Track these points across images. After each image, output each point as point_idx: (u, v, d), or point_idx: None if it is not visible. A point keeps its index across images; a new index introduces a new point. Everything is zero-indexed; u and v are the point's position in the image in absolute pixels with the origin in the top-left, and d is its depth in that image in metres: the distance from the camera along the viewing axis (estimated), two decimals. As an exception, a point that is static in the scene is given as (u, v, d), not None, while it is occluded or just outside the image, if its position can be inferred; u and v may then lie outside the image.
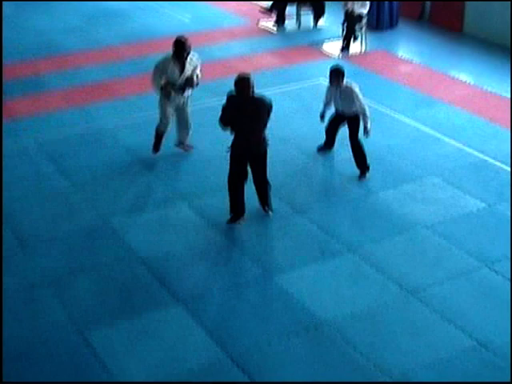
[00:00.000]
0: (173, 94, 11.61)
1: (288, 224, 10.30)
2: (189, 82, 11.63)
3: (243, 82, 9.73)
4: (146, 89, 14.56)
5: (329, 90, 11.57)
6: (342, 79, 11.18)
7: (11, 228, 10.34)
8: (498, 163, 11.72)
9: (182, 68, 11.55)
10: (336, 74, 11.19)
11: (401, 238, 9.90)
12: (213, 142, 12.38)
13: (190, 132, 12.22)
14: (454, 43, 17.23)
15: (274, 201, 10.66)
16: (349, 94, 11.13)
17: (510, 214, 10.35)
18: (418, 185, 11.17)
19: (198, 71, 11.74)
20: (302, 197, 10.93)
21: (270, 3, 18.79)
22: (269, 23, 18.60)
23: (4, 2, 20.72)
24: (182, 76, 11.56)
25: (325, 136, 11.97)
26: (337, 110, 11.54)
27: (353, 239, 9.91)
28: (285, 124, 13.15)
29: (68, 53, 17.05)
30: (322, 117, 11.89)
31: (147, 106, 13.87)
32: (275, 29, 18.38)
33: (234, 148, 10.01)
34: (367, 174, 11.35)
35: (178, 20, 19.17)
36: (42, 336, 8.36)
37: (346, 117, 11.37)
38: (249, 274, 9.30)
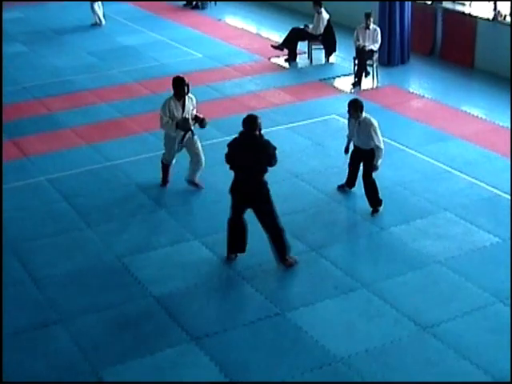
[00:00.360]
0: (181, 127, 11.86)
1: (301, 260, 10.30)
2: (196, 120, 11.95)
3: (249, 121, 9.72)
4: (158, 126, 14.70)
5: (349, 121, 11.56)
6: (361, 111, 11.16)
7: (24, 266, 10.40)
8: (511, 197, 11.71)
9: (183, 106, 11.83)
10: (354, 106, 11.18)
11: (414, 274, 9.89)
12: (224, 178, 12.36)
13: (201, 170, 12.25)
14: (466, 78, 17.31)
15: (288, 237, 10.70)
16: (367, 128, 11.12)
17: (523, 248, 10.35)
18: (431, 220, 11.18)
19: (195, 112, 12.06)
20: (314, 233, 10.95)
21: (282, 39, 18.95)
22: (281, 59, 18.74)
23: (18, 41, 20.99)
24: (185, 114, 11.81)
25: (347, 173, 11.95)
26: (354, 144, 11.56)
27: (366, 275, 9.91)
28: (297, 159, 13.21)
29: (81, 90, 17.21)
30: (346, 150, 11.88)
31: (160, 143, 13.95)
32: (287, 65, 18.52)
33: (233, 188, 10.03)
34: (380, 209, 11.37)
35: (190, 56, 19.33)
36: (54, 374, 8.38)
37: (361, 152, 11.37)
38: (262, 311, 9.30)
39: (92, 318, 9.30)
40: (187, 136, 12.01)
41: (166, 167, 12.48)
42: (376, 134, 11.12)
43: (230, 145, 9.94)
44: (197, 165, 12.20)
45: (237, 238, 10.23)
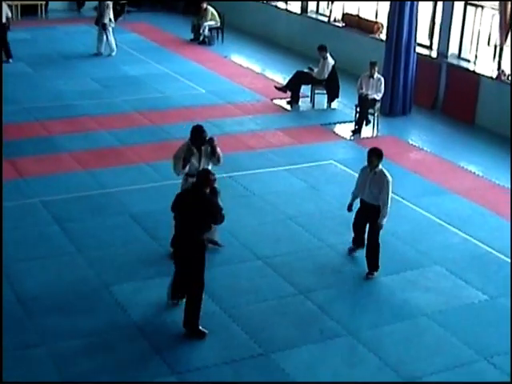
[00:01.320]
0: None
1: (288, 303, 10.34)
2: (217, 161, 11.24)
3: (200, 176, 9.56)
4: (157, 158, 14.83)
5: (362, 173, 11.11)
6: (380, 161, 10.90)
7: (12, 288, 10.39)
8: (503, 256, 11.79)
9: (200, 157, 11.12)
10: (375, 154, 10.89)
11: (401, 325, 9.92)
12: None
13: (216, 230, 11.36)
14: (465, 134, 17.45)
15: (276, 278, 10.78)
16: (381, 179, 10.77)
17: (510, 307, 10.38)
18: (421, 272, 11.23)
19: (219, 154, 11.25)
20: (303, 276, 10.98)
21: (286, 81, 19.12)
22: (283, 101, 18.89)
23: (23, 61, 21.14)
24: (200, 164, 11.07)
25: (353, 233, 11.51)
26: (362, 199, 11.11)
27: (353, 323, 9.94)
28: (291, 202, 13.29)
29: (82, 116, 17.30)
30: (350, 208, 11.36)
31: (157, 174, 14.07)
32: (289, 107, 18.67)
33: (172, 241, 9.81)
34: (375, 275, 11.05)
35: (193, 91, 19.48)
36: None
37: (369, 208, 10.93)
38: (246, 350, 9.31)
39: (75, 343, 9.30)
40: None
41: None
42: (389, 188, 10.75)
43: (177, 195, 9.82)
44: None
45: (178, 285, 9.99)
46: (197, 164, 11.03)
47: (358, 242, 11.51)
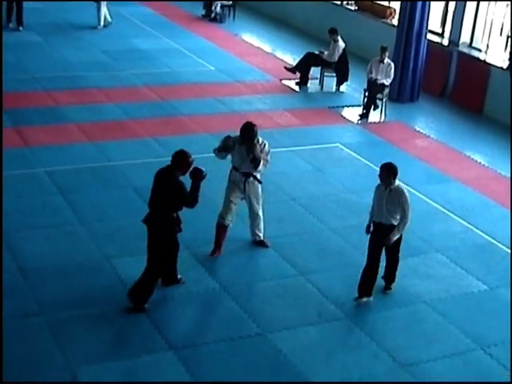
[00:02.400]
0: (237, 177, 10.82)
1: (288, 284, 10.34)
2: (254, 162, 10.58)
3: (174, 157, 9.36)
4: (164, 132, 14.83)
5: (377, 191, 9.96)
6: (394, 178, 9.73)
7: (14, 257, 10.40)
8: (504, 247, 11.76)
9: (248, 153, 10.58)
10: (387, 171, 9.75)
11: (399, 311, 9.92)
12: (223, 192, 12.48)
13: (261, 226, 11.16)
14: (473, 123, 17.40)
15: (278, 258, 10.77)
16: (397, 196, 9.74)
17: (510, 298, 10.37)
18: (422, 260, 11.22)
19: (266, 156, 10.69)
20: (304, 258, 10.97)
21: (296, 62, 19.04)
22: (292, 82, 18.82)
23: (34, 31, 21.08)
24: (247, 160, 10.61)
25: (366, 260, 10.07)
26: (376, 221, 9.93)
27: (351, 306, 9.93)
28: (296, 183, 13.27)
29: (90, 87, 17.27)
30: (368, 230, 10.14)
31: (162, 149, 14.03)
32: (298, 88, 18.60)
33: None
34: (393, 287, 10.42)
35: (203, 68, 19.41)
36: (28, 366, 8.40)
37: (384, 230, 9.84)
38: (244, 329, 9.31)
39: (73, 313, 9.31)
40: (249, 181, 10.84)
41: (219, 227, 10.98)
42: (407, 205, 9.76)
43: (155, 173, 9.69)
44: (255, 220, 11.13)
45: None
46: (239, 161, 10.70)
47: (366, 289, 10.06)
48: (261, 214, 11.08)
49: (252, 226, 11.19)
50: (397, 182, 9.78)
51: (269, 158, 10.70)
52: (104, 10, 22.39)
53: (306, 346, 9.10)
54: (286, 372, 8.64)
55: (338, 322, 9.61)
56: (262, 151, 10.62)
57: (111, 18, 22.66)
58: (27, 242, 10.80)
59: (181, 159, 9.32)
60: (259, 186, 10.90)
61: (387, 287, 10.35)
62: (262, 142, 10.69)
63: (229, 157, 10.82)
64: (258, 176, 10.84)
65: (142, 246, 10.87)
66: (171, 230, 9.54)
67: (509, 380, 8.52)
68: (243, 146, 10.59)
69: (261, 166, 10.58)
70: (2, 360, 8.26)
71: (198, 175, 9.34)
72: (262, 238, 11.22)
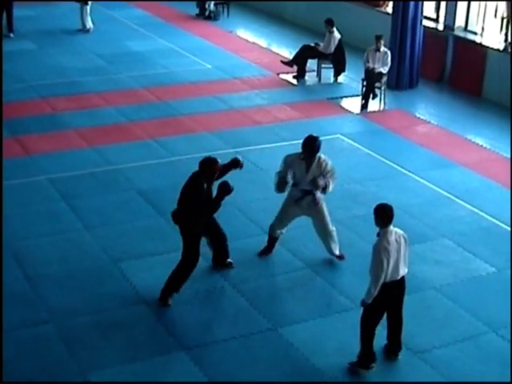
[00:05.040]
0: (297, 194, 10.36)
1: (297, 277, 10.36)
2: (314, 185, 10.15)
3: (202, 164, 9.47)
4: (164, 133, 14.85)
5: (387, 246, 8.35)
6: (384, 222, 8.37)
7: (20, 265, 10.43)
8: (510, 228, 11.76)
9: (308, 169, 10.17)
10: (376, 214, 8.45)
11: (409, 298, 9.83)
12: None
13: (334, 242, 10.64)
14: (473, 107, 17.39)
15: (284, 252, 10.78)
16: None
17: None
18: (429, 245, 11.23)
19: (329, 178, 10.20)
20: (311, 251, 10.97)
21: (292, 56, 19.04)
22: (289, 76, 18.82)
23: (28, 39, 21.09)
24: (306, 177, 10.15)
25: (366, 345, 8.67)
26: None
27: (360, 295, 9.89)
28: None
29: (88, 92, 17.28)
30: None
31: (164, 150, 14.07)
32: (295, 81, 18.60)
33: None
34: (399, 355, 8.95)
35: (199, 66, 19.41)
36: (41, 373, 8.41)
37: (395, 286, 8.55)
38: (255, 325, 9.33)
39: (83, 320, 9.33)
40: (308, 199, 10.36)
41: (270, 237, 10.79)
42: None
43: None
44: (326, 238, 10.59)
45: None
46: (299, 177, 10.18)
47: (372, 355, 8.69)
48: (330, 228, 10.48)
49: (324, 244, 10.61)
50: (390, 228, 8.38)
51: (335, 176, 10.23)
52: (87, 14, 22.33)
53: (317, 339, 9.11)
54: (299, 365, 8.66)
55: (348, 312, 9.61)
56: (323, 171, 10.14)
57: (93, 24, 22.59)
58: (33, 250, 10.83)
59: (207, 166, 9.41)
60: (322, 201, 10.40)
61: (396, 354, 8.88)
62: (324, 160, 10.20)
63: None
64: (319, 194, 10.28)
65: (149, 247, 10.96)
66: (195, 232, 9.63)
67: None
68: (303, 162, 10.14)
69: (322, 187, 10.13)
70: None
71: (224, 190, 9.41)
72: (337, 253, 10.67)
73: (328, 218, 10.51)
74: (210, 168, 9.42)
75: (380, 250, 8.24)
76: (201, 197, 9.40)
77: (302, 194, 10.31)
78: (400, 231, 8.46)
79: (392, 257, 8.26)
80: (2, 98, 16.10)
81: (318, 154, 10.20)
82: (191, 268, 9.66)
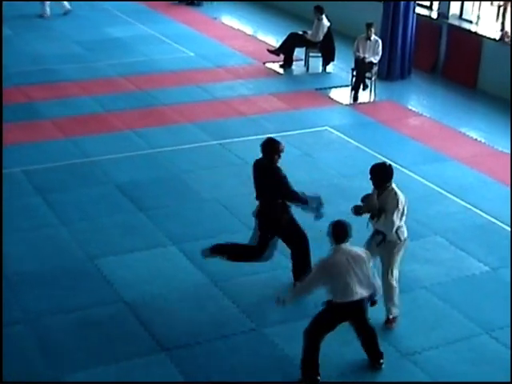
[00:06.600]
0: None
1: (281, 276, 10.33)
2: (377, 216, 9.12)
3: (264, 145, 9.84)
4: (144, 124, 14.81)
5: None
6: (339, 240, 8.28)
7: (-6, 261, 10.42)
8: (505, 226, 11.81)
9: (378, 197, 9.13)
10: (334, 233, 8.31)
11: (399, 298, 9.93)
12: (210, 185, 12.51)
13: (394, 301, 9.42)
14: (467, 99, 17.44)
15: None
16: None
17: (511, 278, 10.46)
18: (420, 243, 11.24)
19: (392, 215, 8.99)
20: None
21: (279, 44, 19.03)
22: (276, 65, 18.81)
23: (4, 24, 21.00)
24: (376, 206, 9.09)
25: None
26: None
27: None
28: (285, 170, 13.18)
29: (64, 81, 17.23)
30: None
31: (143, 142, 14.04)
32: (282, 71, 18.60)
33: None
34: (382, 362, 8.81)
35: (182, 54, 19.39)
36: (13, 376, 8.36)
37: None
38: (238, 326, 9.34)
39: (58, 319, 9.32)
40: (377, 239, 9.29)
41: None
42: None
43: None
44: (385, 291, 9.23)
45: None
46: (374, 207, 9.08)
47: (315, 368, 8.52)
48: (394, 284, 9.29)
49: (384, 301, 9.35)
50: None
51: (400, 219, 9.10)
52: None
53: (302, 339, 9.11)
54: (283, 366, 8.67)
55: (335, 312, 9.62)
56: (386, 206, 8.96)
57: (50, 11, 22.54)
58: (8, 246, 10.76)
59: (269, 144, 9.74)
60: (396, 245, 9.20)
61: (377, 363, 8.76)
62: (395, 193, 9.02)
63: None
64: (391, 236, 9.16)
65: (128, 244, 10.93)
66: (284, 214, 9.81)
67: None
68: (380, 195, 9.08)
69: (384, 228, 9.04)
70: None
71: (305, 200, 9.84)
72: (391, 315, 9.42)
73: (395, 272, 9.33)
74: (273, 148, 9.69)
75: (319, 267, 8.22)
76: (285, 179, 9.68)
77: (373, 232, 9.36)
78: (359, 251, 8.26)
79: (341, 277, 8.08)
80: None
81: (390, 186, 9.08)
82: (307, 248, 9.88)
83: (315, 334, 8.38)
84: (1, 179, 12.42)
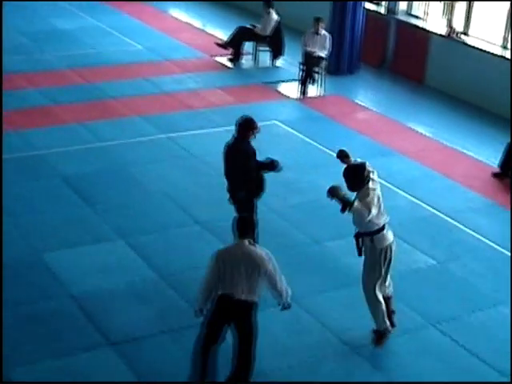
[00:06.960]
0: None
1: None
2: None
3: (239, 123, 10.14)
4: (91, 117, 14.73)
5: None
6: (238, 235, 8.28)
7: None
8: (451, 220, 12.00)
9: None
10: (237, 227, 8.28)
11: (345, 291, 10.05)
12: (157, 179, 12.52)
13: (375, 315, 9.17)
14: (414, 94, 17.64)
15: (216, 245, 10.83)
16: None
17: (459, 273, 10.59)
18: (367, 237, 11.34)
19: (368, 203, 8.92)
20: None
21: (228, 37, 19.05)
22: (224, 58, 18.83)
23: None
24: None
25: None
26: None
27: (296, 289, 10.00)
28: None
29: (8, 73, 16.94)
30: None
31: (90, 135, 13.99)
32: (231, 65, 18.62)
33: None
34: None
35: (129, 47, 19.31)
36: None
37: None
38: (185, 319, 9.32)
39: (3, 314, 9.24)
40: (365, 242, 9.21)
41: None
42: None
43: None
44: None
45: None
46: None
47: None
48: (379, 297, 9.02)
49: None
50: None
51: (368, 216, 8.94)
52: None
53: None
54: (228, 359, 8.71)
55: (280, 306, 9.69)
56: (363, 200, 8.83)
57: None
58: (-51, 239, 10.70)
59: (246, 124, 10.06)
60: (376, 250, 9.09)
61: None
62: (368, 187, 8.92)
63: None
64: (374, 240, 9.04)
65: (74, 238, 10.89)
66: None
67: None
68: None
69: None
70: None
71: (272, 165, 10.53)
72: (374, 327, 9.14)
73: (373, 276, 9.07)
74: (246, 125, 9.98)
75: (211, 258, 8.27)
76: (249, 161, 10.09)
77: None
78: (251, 250, 8.17)
79: (226, 271, 8.10)
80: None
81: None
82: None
83: (201, 330, 8.25)
84: None
